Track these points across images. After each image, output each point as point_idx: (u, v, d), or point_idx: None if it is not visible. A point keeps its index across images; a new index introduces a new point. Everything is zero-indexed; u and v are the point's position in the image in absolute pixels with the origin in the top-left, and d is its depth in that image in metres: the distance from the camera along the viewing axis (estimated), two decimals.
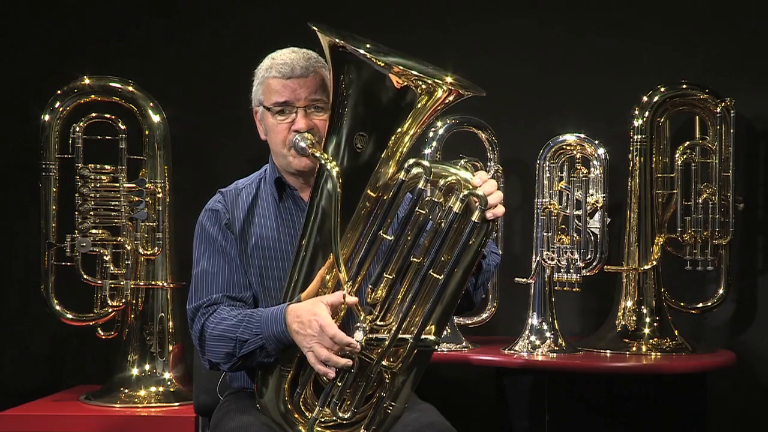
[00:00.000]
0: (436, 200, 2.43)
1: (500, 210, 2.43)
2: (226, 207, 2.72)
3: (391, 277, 2.43)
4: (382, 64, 2.39)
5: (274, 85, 2.65)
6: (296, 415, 2.51)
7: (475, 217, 2.39)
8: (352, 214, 2.46)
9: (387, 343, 2.41)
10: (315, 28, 2.50)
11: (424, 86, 2.41)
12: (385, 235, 2.44)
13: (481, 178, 2.43)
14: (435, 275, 2.41)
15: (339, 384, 2.43)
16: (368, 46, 2.47)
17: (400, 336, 2.41)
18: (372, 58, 2.39)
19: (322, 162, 2.43)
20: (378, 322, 2.44)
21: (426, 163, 2.43)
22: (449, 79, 2.44)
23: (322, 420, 2.47)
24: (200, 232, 2.71)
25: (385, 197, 2.47)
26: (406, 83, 2.40)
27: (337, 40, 2.43)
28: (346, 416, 2.45)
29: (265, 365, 2.53)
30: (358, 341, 2.39)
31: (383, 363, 2.43)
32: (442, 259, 2.43)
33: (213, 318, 2.57)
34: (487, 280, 2.71)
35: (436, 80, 2.41)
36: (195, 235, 2.73)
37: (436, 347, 2.45)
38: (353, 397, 2.46)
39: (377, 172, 2.46)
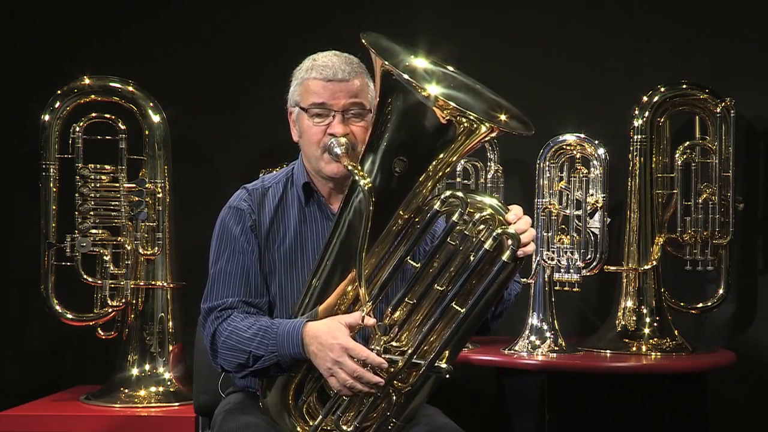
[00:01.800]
0: (468, 233, 2.40)
1: (531, 248, 2.38)
2: (252, 207, 2.63)
3: (412, 302, 2.40)
4: (427, 95, 2.32)
5: (313, 87, 2.55)
6: (298, 420, 2.50)
7: (505, 257, 2.35)
8: (379, 233, 2.40)
9: (400, 365, 2.38)
10: (365, 42, 2.39)
11: (467, 123, 2.34)
12: (411, 262, 2.40)
13: (516, 215, 2.38)
14: (457, 308, 2.38)
15: (346, 397, 2.42)
16: (420, 68, 2.43)
17: (413, 360, 2.39)
18: (416, 87, 2.32)
19: (356, 176, 2.35)
20: (392, 343, 2.41)
21: (461, 194, 2.37)
22: (502, 118, 2.41)
23: (325, 428, 2.47)
24: (222, 230, 2.63)
25: (417, 220, 2.43)
26: (449, 117, 2.33)
27: (385, 63, 2.36)
28: (348, 429, 2.44)
29: None
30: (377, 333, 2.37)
31: (393, 383, 2.41)
32: (466, 287, 2.39)
33: (227, 325, 2.53)
34: (507, 310, 2.66)
35: (480, 119, 2.35)
36: (215, 232, 2.65)
37: (448, 375, 2.40)
38: (358, 411, 2.44)
39: (412, 194, 2.41)
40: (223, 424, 2.58)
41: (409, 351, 2.38)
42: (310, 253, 2.61)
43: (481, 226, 2.39)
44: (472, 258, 2.38)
